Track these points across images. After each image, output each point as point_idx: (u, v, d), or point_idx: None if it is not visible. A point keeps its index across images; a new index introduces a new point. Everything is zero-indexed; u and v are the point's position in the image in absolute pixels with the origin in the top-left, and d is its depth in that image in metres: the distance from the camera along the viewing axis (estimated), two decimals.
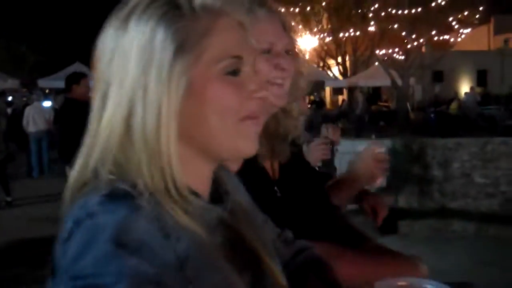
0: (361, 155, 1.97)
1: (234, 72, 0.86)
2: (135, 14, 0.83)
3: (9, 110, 16.08)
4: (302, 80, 1.54)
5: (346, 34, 24.41)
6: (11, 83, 22.29)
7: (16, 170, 12.13)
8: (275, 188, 1.51)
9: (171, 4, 0.83)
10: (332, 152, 2.77)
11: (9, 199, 9.56)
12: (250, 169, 1.30)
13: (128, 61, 0.81)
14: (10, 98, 20.54)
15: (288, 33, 1.48)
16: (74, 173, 0.84)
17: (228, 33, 0.87)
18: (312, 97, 19.47)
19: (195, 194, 0.85)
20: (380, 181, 1.99)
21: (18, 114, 14.40)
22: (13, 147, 13.71)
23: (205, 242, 0.81)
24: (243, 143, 0.89)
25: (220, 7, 0.87)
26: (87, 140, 0.84)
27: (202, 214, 0.83)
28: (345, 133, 17.48)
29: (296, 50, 1.51)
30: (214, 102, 0.84)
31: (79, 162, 0.84)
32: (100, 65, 0.85)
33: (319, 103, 19.33)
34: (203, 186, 0.91)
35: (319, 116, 15.79)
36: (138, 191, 0.77)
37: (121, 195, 0.76)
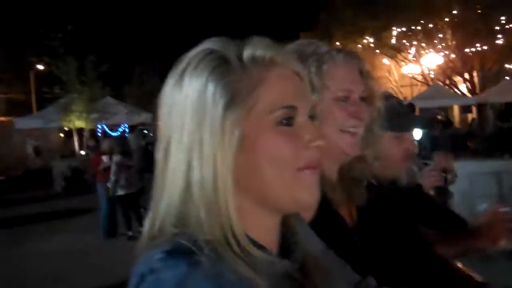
0: (483, 215, 1.84)
1: (288, 122, 0.86)
2: (188, 71, 0.87)
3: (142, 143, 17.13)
4: (376, 126, 1.50)
5: (473, 49, 23.34)
6: (145, 117, 23.73)
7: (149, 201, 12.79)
8: (354, 236, 1.45)
9: (220, 59, 0.86)
10: (446, 179, 2.68)
11: (130, 233, 9.79)
12: (325, 217, 1.26)
13: (184, 116, 0.85)
14: (144, 131, 21.95)
15: (364, 79, 1.46)
16: (145, 227, 0.88)
17: (280, 83, 0.87)
18: (439, 117, 18.75)
19: (260, 246, 0.85)
20: (505, 244, 1.81)
21: (152, 147, 15.27)
22: (147, 180, 14.58)
23: None
24: (302, 194, 0.87)
25: (271, 58, 0.88)
26: (154, 193, 0.88)
27: (266, 267, 0.82)
28: (475, 153, 16.59)
29: (373, 96, 1.48)
30: (269, 153, 0.84)
31: (148, 216, 0.88)
32: (161, 119, 0.90)
33: (446, 123, 18.56)
34: (269, 238, 0.90)
35: (446, 136, 15.16)
36: (199, 246, 0.78)
37: (181, 251, 0.78)
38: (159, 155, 0.88)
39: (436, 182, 2.63)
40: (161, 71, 32.10)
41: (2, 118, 26.41)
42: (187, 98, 0.85)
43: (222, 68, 0.85)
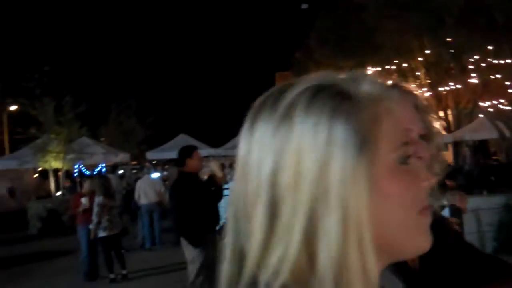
0: None
1: (406, 161, 0.77)
2: (296, 110, 0.73)
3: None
4: (436, 164, 1.41)
5: (447, 88, 23.85)
6: (122, 157, 23.54)
7: (129, 242, 12.59)
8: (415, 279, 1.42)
9: (342, 94, 0.74)
10: (461, 221, 2.67)
11: (124, 272, 9.80)
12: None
13: (300, 165, 0.71)
14: (120, 172, 21.74)
15: (421, 115, 1.37)
16: (225, 267, 0.77)
17: (393, 118, 0.77)
18: None
19: None
20: None
21: (131, 188, 15.16)
22: (126, 220, 14.36)
23: None
24: (423, 238, 0.79)
25: (380, 92, 0.78)
26: (253, 249, 0.73)
27: None
28: (454, 191, 16.74)
29: (432, 132, 1.40)
30: (397, 197, 0.75)
31: (230, 255, 0.77)
32: (256, 173, 0.74)
33: None
34: None
35: None
36: None
37: None
38: (257, 209, 0.73)
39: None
40: (138, 110, 32.01)
41: None
42: (302, 143, 0.71)
43: (347, 104, 0.73)
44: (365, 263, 0.69)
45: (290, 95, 0.74)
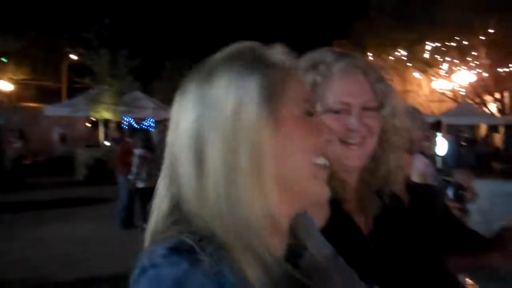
0: (499, 231, 1.72)
1: (310, 113, 0.94)
2: (220, 66, 0.91)
3: None
4: (395, 135, 1.47)
5: (506, 70, 23.04)
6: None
7: None
8: (368, 243, 1.43)
9: (258, 59, 0.92)
10: (462, 197, 2.66)
11: (145, 226, 10.06)
12: (339, 223, 1.30)
13: (218, 109, 0.88)
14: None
15: (373, 86, 1.43)
16: (151, 219, 0.93)
17: (297, 82, 0.95)
18: (466, 135, 18.56)
19: (267, 247, 0.86)
20: None
21: None
22: None
23: None
24: (319, 186, 0.94)
25: (289, 63, 0.95)
26: (160, 188, 0.92)
27: (270, 269, 0.84)
28: (498, 174, 16.36)
29: (385, 103, 1.45)
30: (299, 139, 0.90)
31: (162, 209, 0.91)
32: (186, 113, 0.91)
33: (471, 141, 18.36)
34: (281, 237, 0.93)
35: (470, 154, 14.99)
36: (202, 245, 0.81)
37: (184, 249, 0.81)
38: (186, 155, 0.89)
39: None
40: (191, 69, 32.22)
41: (32, 104, 26.90)
42: (221, 88, 0.88)
43: (260, 61, 0.91)
44: (262, 190, 0.85)
45: (214, 59, 0.93)
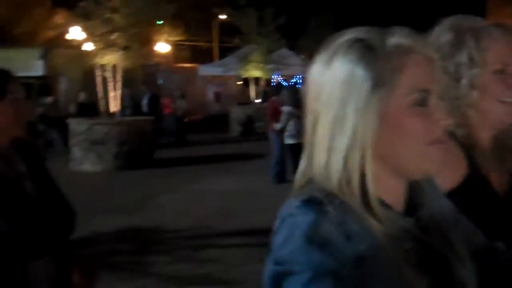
0: None
1: (422, 104, 1.00)
2: (338, 56, 1.01)
3: None
4: None
5: None
6: None
7: None
8: (501, 203, 1.50)
9: (367, 47, 1.00)
10: None
11: None
12: (474, 182, 1.39)
13: (332, 94, 1.00)
14: None
15: None
16: (296, 177, 1.07)
17: (417, 68, 1.00)
18: None
19: (386, 206, 1.01)
20: None
21: None
22: None
23: (385, 245, 0.96)
24: (429, 165, 1.02)
25: (410, 46, 1.01)
26: (306, 152, 1.06)
27: (389, 223, 0.98)
28: None
29: None
30: (406, 129, 0.99)
31: (300, 169, 1.07)
32: (310, 94, 1.05)
33: None
34: (395, 199, 1.06)
35: None
36: (329, 199, 0.96)
37: (314, 202, 0.96)
38: (307, 124, 1.05)
39: None
40: (337, 24, 31.80)
41: (188, 65, 28.45)
42: (336, 79, 1.00)
43: (369, 55, 0.99)
44: (364, 168, 0.98)
45: (335, 44, 1.04)
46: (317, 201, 0.97)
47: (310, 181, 1.03)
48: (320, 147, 1.01)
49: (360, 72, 0.98)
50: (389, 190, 1.04)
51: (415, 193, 1.11)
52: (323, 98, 1.01)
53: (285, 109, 10.11)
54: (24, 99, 2.21)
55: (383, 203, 1.00)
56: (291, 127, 10.08)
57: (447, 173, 1.24)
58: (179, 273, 5.82)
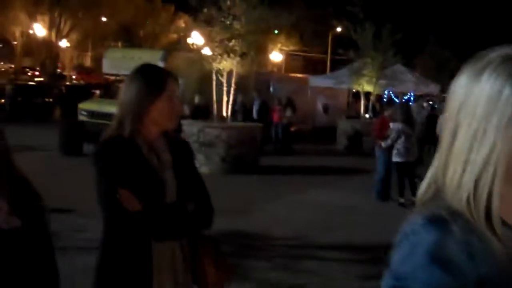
0: None
1: None
2: (488, 70, 1.00)
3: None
4: None
5: None
6: (432, 87, 23.34)
7: (423, 171, 12.78)
8: None
9: None
10: None
11: (414, 199, 9.96)
12: None
13: (477, 107, 0.99)
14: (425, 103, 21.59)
15: None
16: (421, 190, 1.08)
17: None
18: None
19: (508, 226, 0.99)
20: None
21: (434, 119, 15.20)
22: (426, 150, 14.60)
23: (508, 269, 0.94)
24: None
25: None
26: (436, 165, 1.06)
27: (510, 243, 0.96)
28: None
29: None
30: None
31: (424, 183, 1.08)
32: (452, 104, 1.05)
33: None
34: None
35: None
36: (454, 218, 0.96)
37: (439, 220, 0.97)
38: (446, 133, 1.06)
39: None
40: (453, 43, 30.71)
41: (300, 75, 28.68)
42: (482, 92, 1.00)
43: None
44: (493, 185, 0.98)
45: (486, 59, 1.03)
46: (441, 220, 0.97)
47: (435, 196, 1.04)
48: (456, 159, 1.02)
49: (508, 91, 0.98)
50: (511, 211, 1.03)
51: None
52: (466, 110, 1.01)
53: (395, 126, 9.94)
54: (178, 97, 2.41)
55: (505, 223, 0.99)
56: (400, 145, 9.89)
57: None
58: (276, 280, 5.91)
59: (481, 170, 0.98)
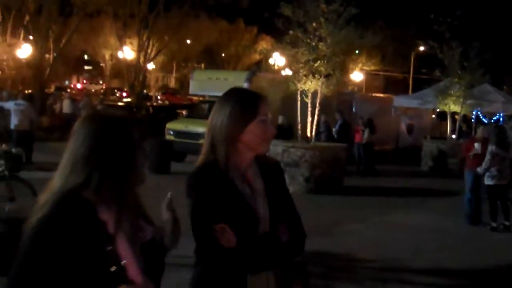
0: None
1: None
2: None
3: None
4: None
5: None
6: None
7: None
8: None
9: None
10: None
11: (507, 223, 9.70)
12: None
13: None
14: None
15: None
16: None
17: None
18: None
19: None
20: None
21: None
22: None
23: None
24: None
25: None
26: None
27: None
28: None
29: None
30: None
31: None
32: None
33: None
34: None
35: None
36: None
37: None
38: None
39: None
40: None
41: (382, 95, 28.34)
42: None
43: None
44: None
45: None
46: None
47: None
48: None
49: None
50: None
51: None
52: None
53: (489, 148, 9.62)
54: (271, 120, 2.36)
55: None
56: (493, 167, 9.59)
57: None
58: None
59: None
